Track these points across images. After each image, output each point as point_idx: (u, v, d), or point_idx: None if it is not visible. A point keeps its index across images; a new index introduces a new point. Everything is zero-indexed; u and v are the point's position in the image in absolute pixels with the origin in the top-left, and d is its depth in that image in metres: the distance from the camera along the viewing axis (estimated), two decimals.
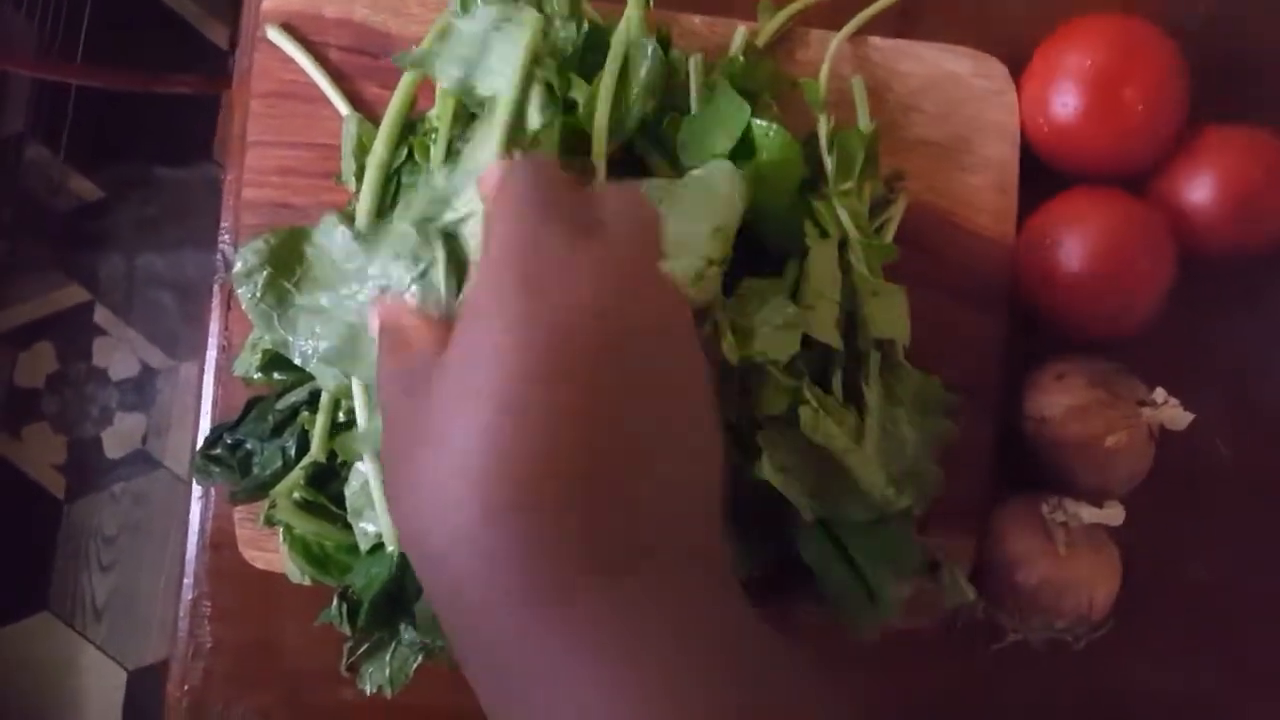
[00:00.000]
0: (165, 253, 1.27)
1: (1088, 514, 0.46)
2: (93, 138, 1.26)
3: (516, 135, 0.41)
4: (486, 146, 0.41)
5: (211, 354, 0.52)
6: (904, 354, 0.48)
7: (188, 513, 0.52)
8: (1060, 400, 0.48)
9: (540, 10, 0.45)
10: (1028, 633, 0.49)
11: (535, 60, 0.41)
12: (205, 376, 0.52)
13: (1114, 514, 0.46)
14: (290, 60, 0.49)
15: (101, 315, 1.28)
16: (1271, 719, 0.54)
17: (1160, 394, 0.47)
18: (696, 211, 0.39)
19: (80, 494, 1.25)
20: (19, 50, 1.15)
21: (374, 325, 0.34)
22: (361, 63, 0.49)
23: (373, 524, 0.41)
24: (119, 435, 1.27)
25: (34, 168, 1.26)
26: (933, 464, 0.48)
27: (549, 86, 0.42)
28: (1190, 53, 0.50)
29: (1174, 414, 0.47)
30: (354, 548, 0.45)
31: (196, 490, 0.53)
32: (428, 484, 0.26)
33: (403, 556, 0.43)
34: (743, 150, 0.42)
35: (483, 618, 0.25)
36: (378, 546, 0.44)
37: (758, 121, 0.41)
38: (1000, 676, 0.52)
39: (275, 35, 0.48)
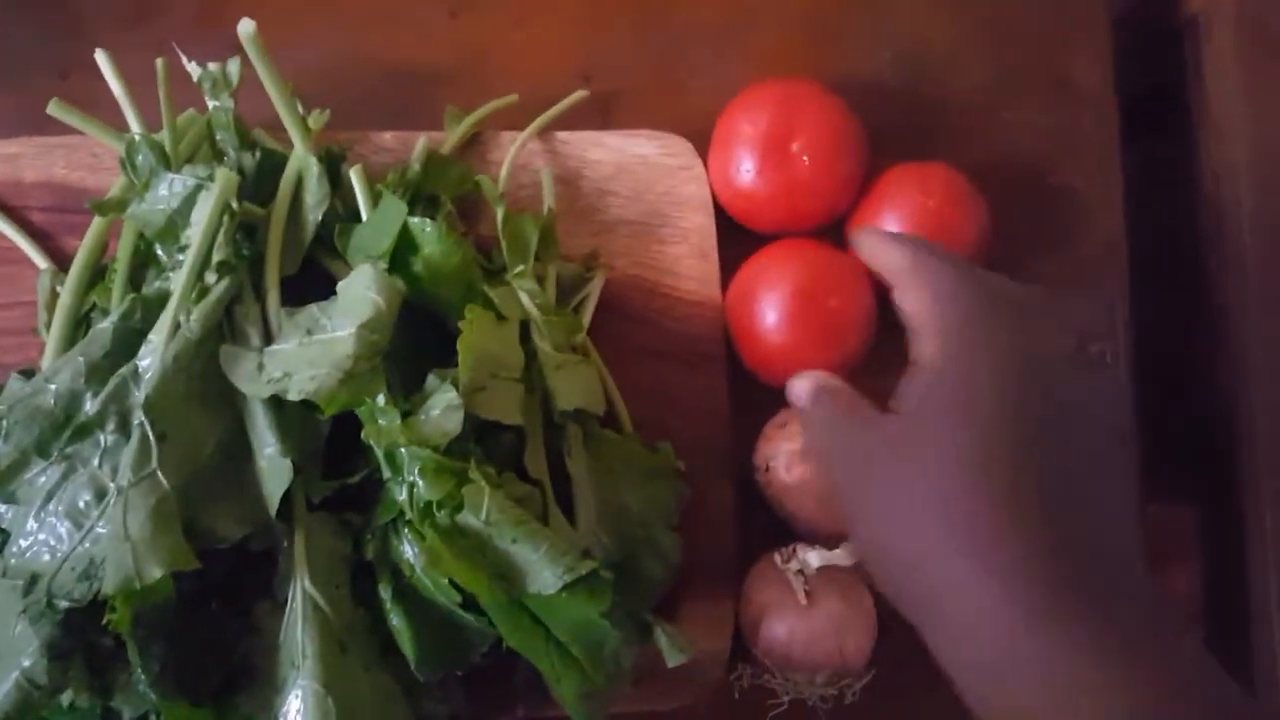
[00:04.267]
0: None
1: (815, 558, 0.46)
2: None
3: (203, 270, 0.43)
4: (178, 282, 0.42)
5: None
6: (626, 423, 0.49)
7: None
8: (783, 447, 0.48)
9: (214, 148, 0.47)
10: (796, 690, 0.48)
11: (224, 210, 0.42)
12: None
13: (840, 555, 0.46)
14: None
15: None
16: None
17: None
18: (344, 317, 0.40)
19: None
20: None
21: (801, 392, 0.39)
22: (63, 220, 0.50)
23: None
24: None
25: None
26: (668, 531, 0.47)
27: (237, 226, 0.43)
28: (875, 109, 0.53)
29: None
30: (70, 708, 0.43)
31: None
32: (899, 509, 0.32)
33: (106, 710, 0.41)
34: (411, 248, 0.44)
35: (969, 618, 0.30)
36: None
37: (413, 220, 0.43)
38: None
39: None
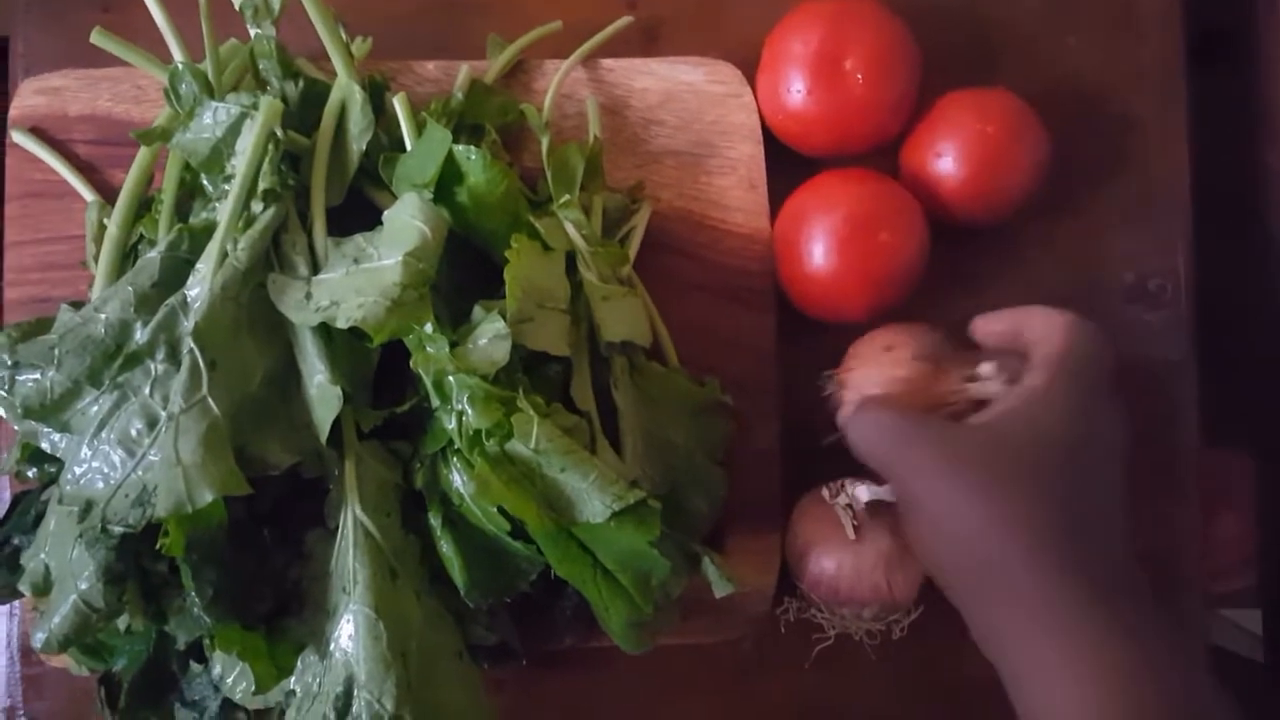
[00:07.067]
0: None
1: (864, 492, 0.45)
2: None
3: (249, 199, 0.42)
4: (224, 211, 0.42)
5: (2, 455, 0.52)
6: (673, 357, 0.48)
7: None
8: (894, 374, 0.45)
9: (257, 77, 0.46)
10: (842, 625, 0.47)
11: (269, 138, 0.42)
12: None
13: (889, 490, 0.45)
14: (40, 160, 0.50)
15: None
16: None
17: (988, 369, 0.44)
18: (390, 246, 0.40)
19: None
20: None
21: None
22: (109, 153, 0.50)
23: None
24: None
25: None
26: (714, 465, 0.47)
27: (282, 156, 0.43)
28: (933, 31, 0.51)
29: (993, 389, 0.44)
30: (127, 631, 0.44)
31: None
32: (975, 496, 0.39)
33: (161, 634, 0.43)
34: (456, 178, 0.43)
35: (1006, 607, 0.38)
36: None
37: (458, 148, 0.42)
38: (836, 674, 0.50)
39: (20, 138, 0.50)
